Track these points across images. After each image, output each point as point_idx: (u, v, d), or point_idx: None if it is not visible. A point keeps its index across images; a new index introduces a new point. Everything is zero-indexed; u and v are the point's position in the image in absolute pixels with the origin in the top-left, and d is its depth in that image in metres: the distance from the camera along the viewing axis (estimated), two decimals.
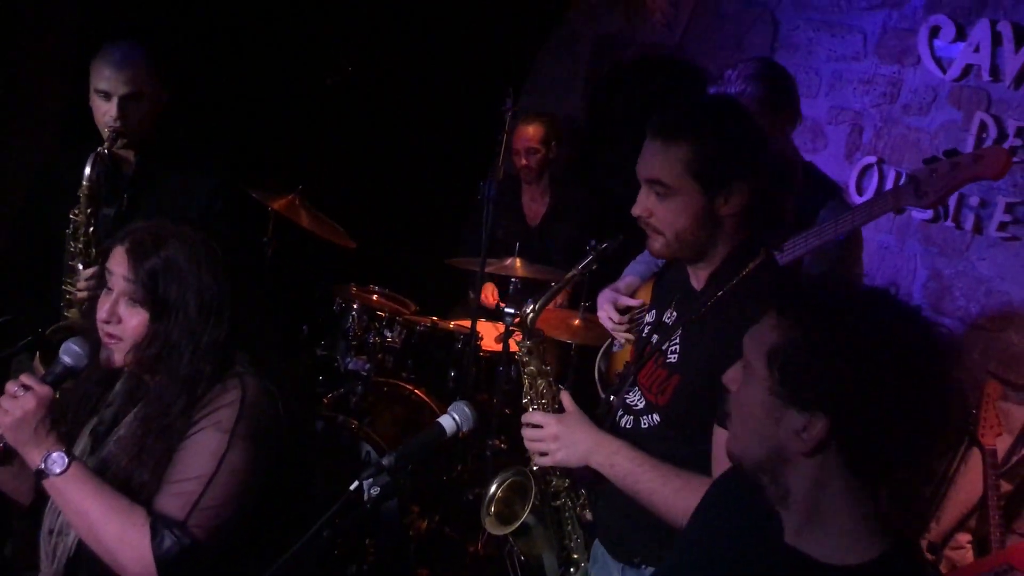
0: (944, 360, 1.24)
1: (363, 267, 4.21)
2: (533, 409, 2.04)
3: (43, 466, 1.71)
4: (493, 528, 2.18)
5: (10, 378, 2.64)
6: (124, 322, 1.82)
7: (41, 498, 1.94)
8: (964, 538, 3.20)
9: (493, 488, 2.21)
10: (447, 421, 1.68)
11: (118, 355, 1.83)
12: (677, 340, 1.86)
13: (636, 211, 1.85)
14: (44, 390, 1.74)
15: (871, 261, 3.74)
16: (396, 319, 3.83)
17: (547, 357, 2.10)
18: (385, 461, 1.58)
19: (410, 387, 3.78)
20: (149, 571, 1.69)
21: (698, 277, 1.88)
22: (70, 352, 1.81)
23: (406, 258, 4.61)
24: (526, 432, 1.98)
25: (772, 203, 1.85)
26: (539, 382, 2.07)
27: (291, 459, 1.92)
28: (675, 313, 1.92)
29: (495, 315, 4.01)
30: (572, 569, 2.11)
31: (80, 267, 2.63)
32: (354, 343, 3.77)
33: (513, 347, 3.89)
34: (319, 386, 3.83)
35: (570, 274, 2.04)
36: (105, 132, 2.64)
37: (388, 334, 3.79)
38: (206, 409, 1.80)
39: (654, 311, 2.02)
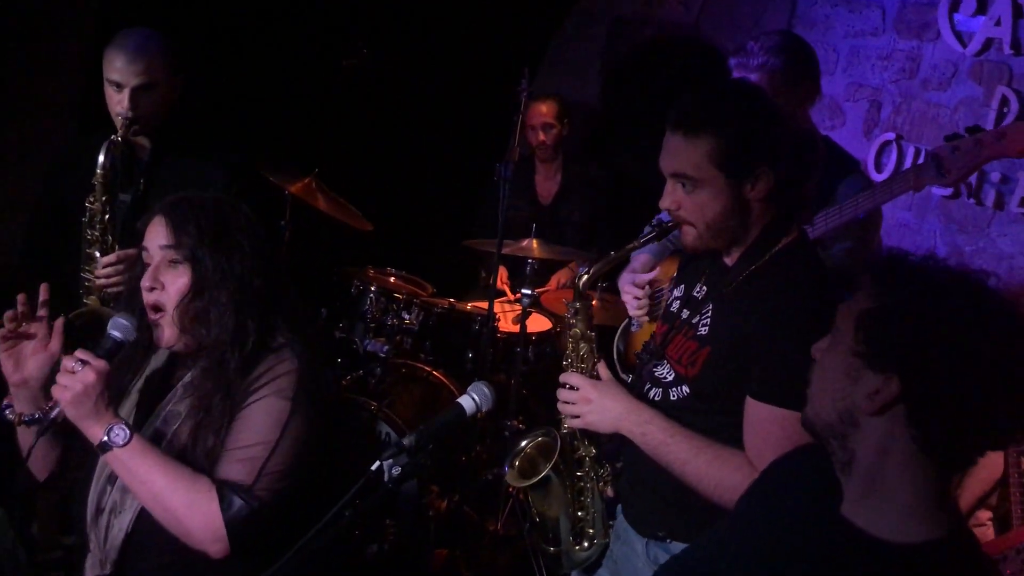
0: (1017, 343, 1.24)
1: (380, 249, 4.22)
2: (571, 372, 2.07)
3: (106, 439, 1.73)
4: (513, 480, 2.22)
5: None
6: (167, 287, 1.84)
7: (59, 478, 1.97)
8: (985, 515, 3.18)
9: (522, 444, 2.25)
10: (467, 401, 1.68)
11: (167, 328, 1.85)
12: (708, 313, 1.88)
13: (664, 204, 1.86)
14: (101, 364, 1.74)
15: (889, 238, 3.71)
16: (414, 301, 3.84)
17: (593, 321, 2.13)
18: (406, 441, 1.58)
19: (428, 368, 3.80)
20: (219, 536, 1.73)
21: (730, 255, 1.89)
22: (118, 326, 1.82)
23: (423, 240, 4.62)
24: (561, 393, 2.01)
25: (798, 182, 1.83)
26: (581, 346, 2.09)
27: (335, 428, 1.95)
28: (705, 288, 1.94)
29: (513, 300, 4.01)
30: (586, 543, 2.13)
31: (97, 254, 2.65)
32: (372, 325, 3.79)
33: (542, 324, 3.94)
34: (338, 368, 3.85)
35: (630, 245, 2.06)
36: (118, 121, 2.64)
37: (406, 316, 3.81)
38: (264, 377, 1.83)
39: (683, 286, 2.03)
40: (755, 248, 1.83)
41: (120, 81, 2.59)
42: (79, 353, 1.76)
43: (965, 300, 1.26)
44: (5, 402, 1.91)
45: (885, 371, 1.26)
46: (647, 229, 2.03)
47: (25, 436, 1.92)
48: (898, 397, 1.25)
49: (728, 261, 1.89)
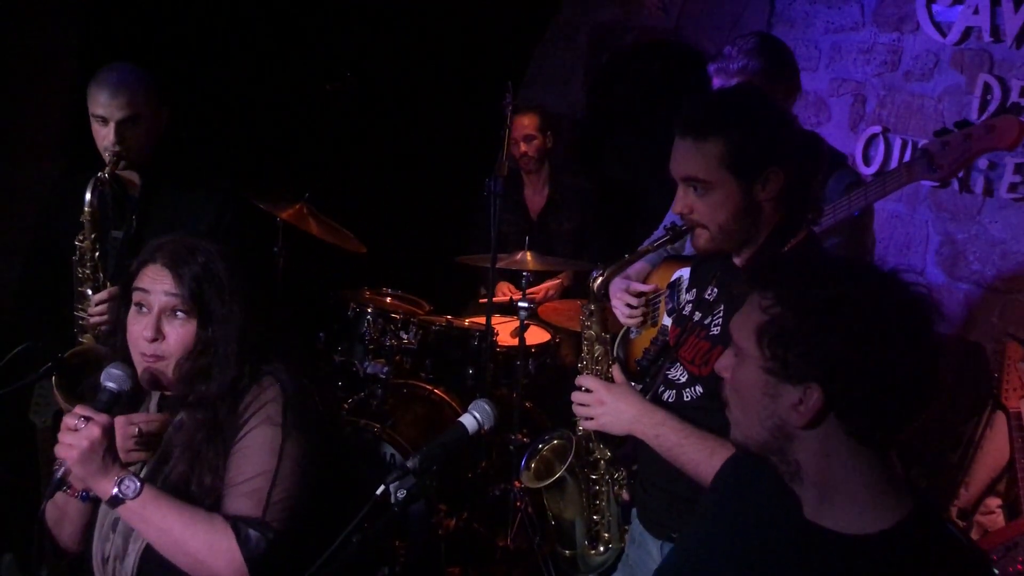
0: (924, 316, 1.26)
1: (375, 270, 4.22)
2: (586, 374, 2.09)
3: (117, 492, 1.71)
4: (529, 481, 2.25)
5: (32, 404, 2.68)
6: (168, 338, 1.83)
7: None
8: (994, 502, 3.19)
9: (538, 446, 2.28)
10: (468, 420, 1.68)
11: (167, 373, 1.84)
12: (720, 314, 1.91)
13: (676, 209, 1.88)
14: (104, 418, 1.73)
15: (882, 230, 3.73)
16: (411, 320, 3.84)
17: (609, 324, 2.15)
18: (410, 463, 1.59)
19: (429, 387, 3.79)
20: (241, 572, 1.72)
21: (740, 255, 1.91)
22: (112, 377, 1.80)
23: (417, 259, 4.62)
24: (575, 395, 2.03)
25: (805, 181, 1.86)
26: (596, 348, 2.12)
27: (329, 448, 1.95)
28: (716, 289, 1.97)
29: (509, 310, 4.01)
30: (601, 547, 2.14)
31: (89, 292, 2.65)
32: (371, 347, 3.78)
33: (541, 336, 3.95)
34: (339, 391, 3.84)
35: (644, 247, 2.09)
36: (106, 156, 2.64)
37: (404, 336, 3.80)
38: (251, 409, 1.83)
39: (695, 290, 2.06)
40: (765, 248, 1.85)
41: (105, 115, 2.60)
42: (79, 410, 1.73)
43: (852, 287, 1.27)
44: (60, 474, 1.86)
45: (803, 381, 1.26)
46: (660, 232, 2.05)
47: (64, 508, 1.90)
48: (824, 403, 1.25)
49: (739, 262, 1.91)
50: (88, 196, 2.61)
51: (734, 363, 1.37)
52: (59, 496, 1.88)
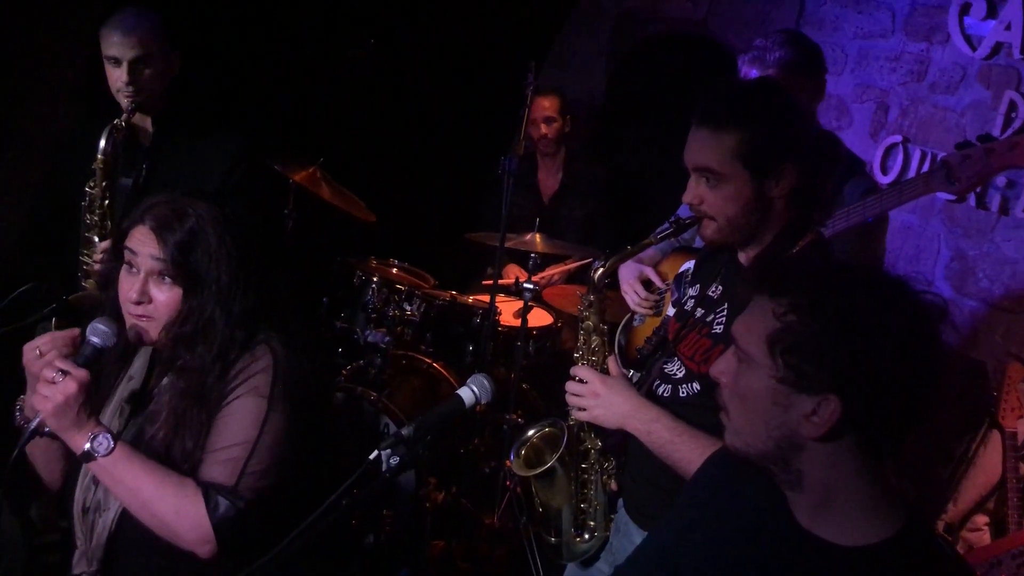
0: (936, 325, 1.24)
1: (383, 241, 4.22)
2: (582, 364, 2.08)
3: (89, 448, 1.71)
4: (519, 469, 2.23)
5: None
6: (155, 300, 1.81)
7: (67, 477, 1.96)
8: (982, 520, 3.19)
9: (529, 433, 2.26)
10: (466, 393, 1.68)
11: (152, 332, 1.83)
12: (723, 312, 1.89)
13: (687, 199, 1.86)
14: (82, 373, 1.71)
15: (893, 240, 3.71)
16: (415, 292, 3.84)
17: (607, 315, 2.13)
18: (404, 432, 1.58)
19: (428, 360, 3.79)
20: (207, 537, 1.72)
21: (747, 255, 1.89)
22: (97, 332, 1.78)
23: (426, 232, 4.62)
24: (569, 385, 2.01)
25: (819, 181, 1.85)
26: (593, 339, 2.11)
27: (316, 421, 1.94)
28: (720, 287, 1.95)
29: (514, 291, 4.01)
30: (587, 535, 2.14)
31: (96, 239, 2.66)
32: (373, 316, 3.79)
33: (543, 319, 3.95)
34: (339, 358, 3.85)
35: (647, 240, 2.07)
36: (121, 100, 2.66)
37: (407, 307, 3.81)
38: (240, 376, 1.81)
39: (698, 285, 2.04)
40: (772, 249, 1.84)
41: (117, 55, 2.62)
42: (59, 363, 1.72)
43: (868, 296, 1.24)
44: (18, 412, 1.88)
45: (818, 392, 1.22)
46: (665, 225, 2.04)
47: (37, 444, 1.90)
48: (842, 414, 1.22)
49: (744, 259, 1.90)
50: (102, 143, 2.63)
51: (735, 368, 1.33)
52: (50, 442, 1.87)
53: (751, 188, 1.78)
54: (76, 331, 1.82)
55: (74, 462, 1.90)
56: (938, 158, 3.30)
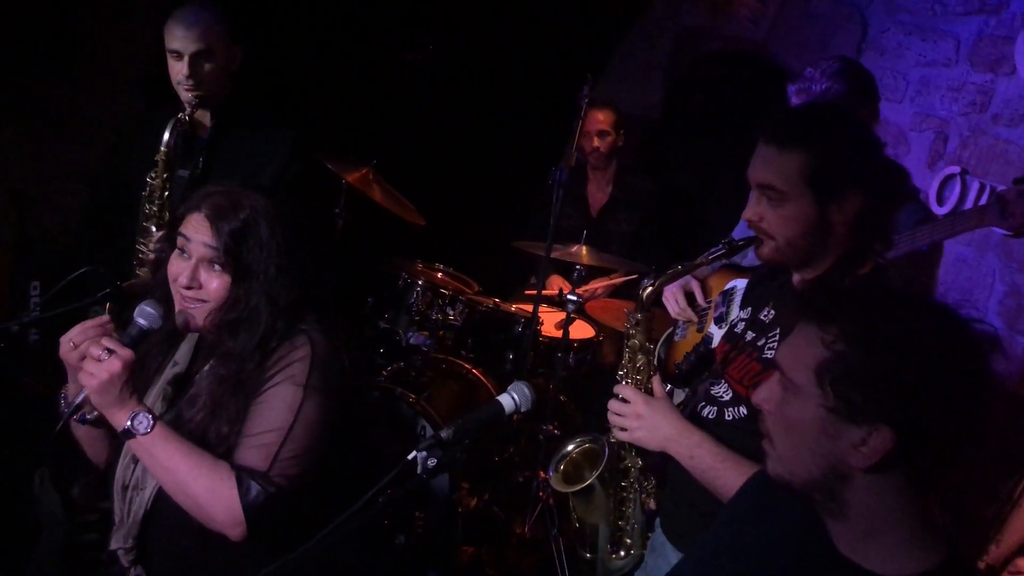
0: (988, 355, 1.22)
1: (430, 245, 4.25)
2: (626, 383, 2.06)
3: (129, 426, 1.76)
4: (558, 485, 2.23)
5: None
6: (205, 286, 1.86)
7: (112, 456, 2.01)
8: (1023, 563, 3.11)
9: (568, 448, 2.26)
10: (506, 399, 1.68)
11: (199, 317, 1.88)
12: (775, 337, 1.85)
13: (747, 215, 1.84)
14: (127, 353, 1.77)
15: (946, 272, 3.64)
16: (459, 298, 3.86)
17: (653, 334, 2.12)
18: (443, 434, 1.59)
19: (468, 366, 3.81)
20: (238, 520, 1.76)
21: (802, 278, 1.86)
22: (144, 314, 1.84)
23: (472, 238, 4.63)
24: (612, 404, 1.99)
25: (883, 212, 1.80)
26: (638, 357, 2.08)
27: (353, 414, 1.97)
28: (773, 311, 1.92)
29: (557, 302, 4.01)
30: (622, 552, 2.12)
31: (153, 229, 2.71)
32: (416, 318, 3.82)
33: (585, 331, 3.94)
34: (380, 358, 3.88)
35: (698, 260, 2.05)
36: (181, 93, 2.72)
37: (450, 312, 3.83)
38: (278, 364, 1.85)
39: (749, 308, 2.01)
40: (829, 274, 1.81)
41: (179, 49, 2.67)
42: (105, 341, 1.77)
43: (919, 325, 1.21)
44: (63, 391, 1.93)
45: (870, 422, 1.20)
46: (718, 246, 2.02)
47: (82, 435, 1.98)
48: (895, 445, 1.19)
49: (798, 284, 1.87)
50: (166, 136, 2.69)
51: (780, 396, 1.31)
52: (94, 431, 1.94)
53: (813, 210, 1.75)
54: (106, 318, 1.86)
55: (118, 442, 1.95)
56: (997, 191, 3.24)
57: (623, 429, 1.97)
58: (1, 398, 3.32)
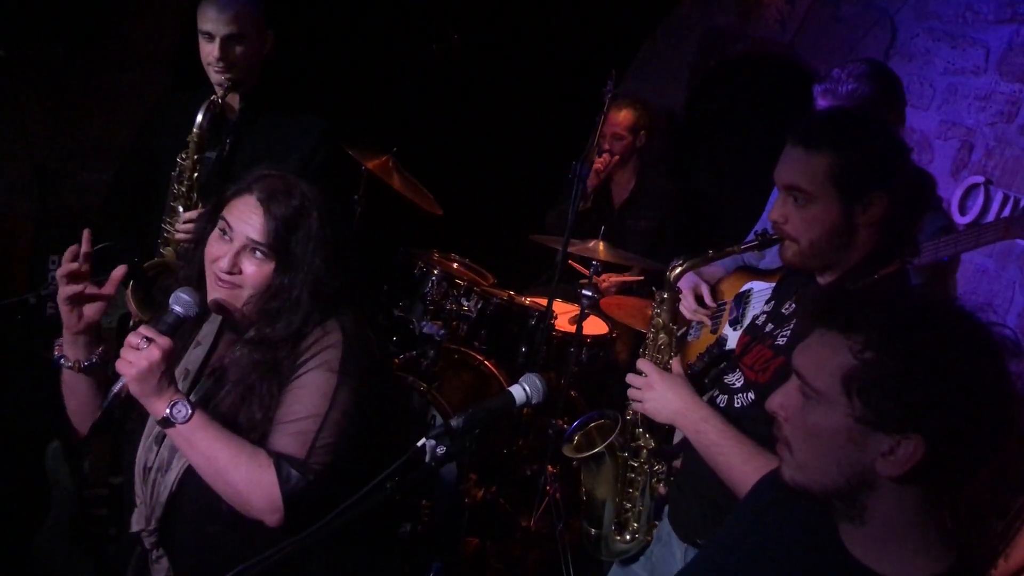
0: (1009, 360, 1.21)
1: (447, 235, 4.25)
2: (646, 358, 2.10)
3: (169, 414, 1.74)
4: (569, 452, 2.28)
5: None
6: (244, 272, 1.84)
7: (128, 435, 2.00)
8: None
9: (586, 422, 2.31)
10: (517, 391, 1.68)
11: (235, 302, 1.85)
12: (790, 327, 1.88)
13: (772, 216, 1.85)
14: (165, 341, 1.75)
15: (966, 283, 3.61)
16: (474, 289, 3.86)
17: (678, 317, 2.16)
18: (453, 423, 1.59)
19: (480, 357, 3.81)
20: (276, 507, 1.75)
21: (824, 277, 1.88)
22: (181, 301, 1.81)
23: (489, 229, 4.63)
24: (630, 376, 2.04)
25: (909, 215, 1.81)
26: (661, 336, 2.12)
27: (380, 400, 1.97)
28: (794, 305, 1.94)
29: (572, 296, 4.01)
30: (627, 536, 2.14)
31: (180, 209, 2.71)
32: (431, 308, 3.82)
33: (599, 328, 3.94)
34: (393, 346, 3.89)
35: (731, 248, 2.07)
36: (211, 75, 2.72)
37: (465, 303, 3.83)
38: (312, 350, 1.84)
39: (774, 303, 2.04)
40: (852, 274, 1.82)
41: (211, 31, 2.67)
42: (143, 330, 1.76)
43: (945, 331, 1.20)
44: (56, 351, 1.93)
45: (899, 431, 1.19)
46: (751, 236, 2.03)
47: (71, 384, 1.95)
48: (926, 453, 1.18)
49: (822, 283, 1.88)
50: (200, 118, 2.68)
51: (800, 403, 1.29)
52: (84, 381, 1.93)
53: (838, 212, 1.76)
54: (76, 247, 1.89)
55: (132, 421, 1.95)
56: (1020, 203, 3.21)
57: (637, 401, 2.02)
58: (19, 370, 3.36)
